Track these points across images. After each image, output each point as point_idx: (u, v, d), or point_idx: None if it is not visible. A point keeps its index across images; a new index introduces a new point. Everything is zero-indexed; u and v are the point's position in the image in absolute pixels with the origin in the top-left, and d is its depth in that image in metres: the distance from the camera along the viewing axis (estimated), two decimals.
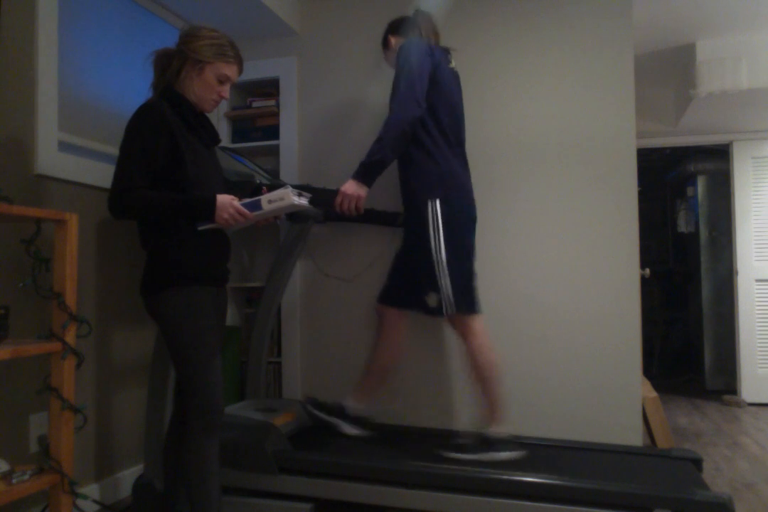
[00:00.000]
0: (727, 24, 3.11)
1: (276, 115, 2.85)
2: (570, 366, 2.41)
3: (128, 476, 2.26)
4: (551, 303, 2.45)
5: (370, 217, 2.57)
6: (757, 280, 4.10)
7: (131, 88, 2.40)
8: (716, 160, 4.53)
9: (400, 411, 2.57)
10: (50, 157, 1.92)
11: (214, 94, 1.67)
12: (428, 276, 2.06)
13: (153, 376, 1.95)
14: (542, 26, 2.50)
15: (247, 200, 1.61)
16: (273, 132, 2.86)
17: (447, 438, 2.14)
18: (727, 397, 4.06)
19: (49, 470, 1.59)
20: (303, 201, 1.64)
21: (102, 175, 2.14)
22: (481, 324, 2.12)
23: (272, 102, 2.86)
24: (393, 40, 2.27)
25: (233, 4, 2.53)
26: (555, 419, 2.41)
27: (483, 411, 2.09)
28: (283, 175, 2.79)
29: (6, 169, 1.78)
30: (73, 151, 2.09)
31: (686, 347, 5.28)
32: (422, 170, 2.10)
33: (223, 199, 1.56)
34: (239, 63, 1.70)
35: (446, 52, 2.22)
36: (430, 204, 2.06)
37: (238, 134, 2.93)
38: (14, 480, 1.50)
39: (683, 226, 5.04)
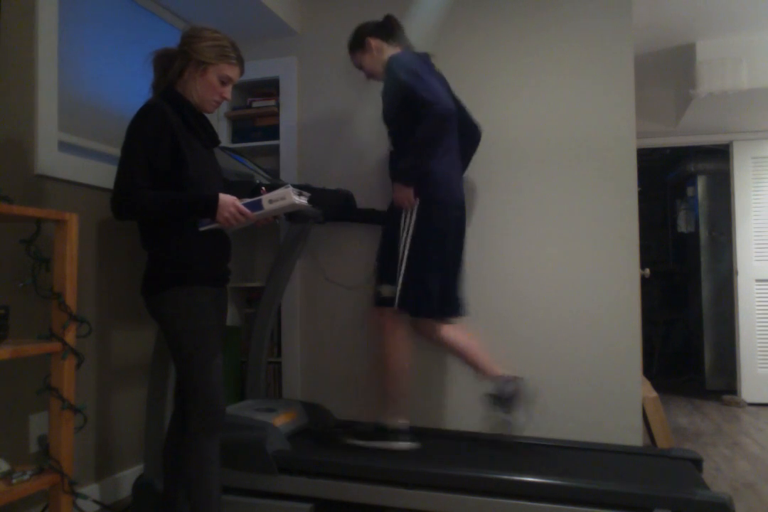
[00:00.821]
0: (727, 24, 3.11)
1: (276, 115, 2.85)
2: (570, 366, 2.41)
3: (128, 476, 2.26)
4: (551, 304, 2.44)
5: (371, 217, 2.56)
6: (757, 280, 4.10)
7: (131, 88, 2.40)
8: (716, 160, 4.53)
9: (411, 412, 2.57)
10: (50, 157, 1.92)
11: (216, 95, 1.67)
12: (390, 266, 2.08)
13: (153, 376, 1.95)
14: (542, 26, 2.50)
15: (249, 200, 1.61)
16: (273, 132, 2.86)
17: (350, 427, 2.23)
18: (727, 397, 4.06)
19: (49, 470, 1.59)
20: (303, 200, 1.65)
21: (102, 175, 2.14)
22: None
23: (272, 102, 2.86)
24: (373, 43, 2.19)
25: (233, 4, 2.53)
26: (555, 419, 2.41)
27: (381, 403, 2.14)
28: (283, 175, 2.79)
29: (6, 169, 1.78)
30: (73, 151, 2.09)
31: (686, 347, 5.28)
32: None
33: (225, 199, 1.56)
34: (241, 64, 1.70)
35: (428, 57, 2.21)
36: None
37: (238, 134, 2.93)
38: (14, 480, 1.50)
39: (683, 226, 5.04)
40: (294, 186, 1.70)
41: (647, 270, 3.05)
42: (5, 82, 1.79)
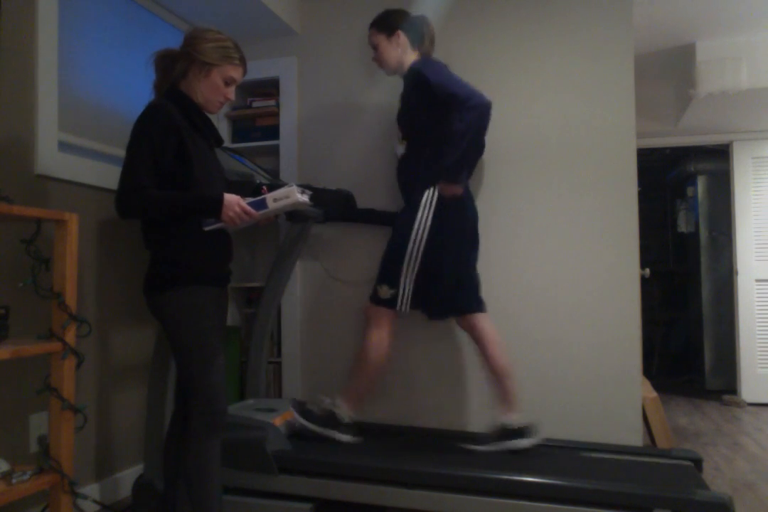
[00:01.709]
0: (727, 24, 3.12)
1: (276, 115, 2.85)
2: (570, 366, 2.41)
3: (128, 476, 2.26)
4: (551, 303, 2.44)
5: (370, 217, 2.57)
6: (757, 280, 4.11)
7: (131, 88, 2.40)
8: (716, 160, 4.53)
9: (410, 412, 2.57)
10: (50, 157, 1.92)
11: (220, 96, 1.68)
12: (391, 266, 2.11)
13: (153, 376, 1.95)
14: (542, 27, 2.50)
15: (253, 199, 1.61)
16: (273, 132, 2.86)
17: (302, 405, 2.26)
18: (727, 397, 4.06)
19: (49, 470, 1.59)
20: (306, 198, 1.66)
21: (102, 175, 2.14)
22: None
23: (272, 102, 2.86)
24: (402, 37, 2.18)
25: (233, 4, 2.53)
26: (555, 419, 2.41)
27: (343, 391, 2.17)
28: (283, 175, 2.79)
29: (6, 169, 1.78)
30: (73, 151, 2.09)
31: (686, 347, 5.28)
32: (431, 168, 2.12)
33: (230, 198, 1.56)
34: (244, 64, 1.71)
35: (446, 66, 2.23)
36: (427, 192, 2.08)
37: (238, 134, 2.93)
38: (14, 480, 1.50)
39: (683, 226, 5.04)
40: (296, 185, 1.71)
41: (647, 270, 3.05)
42: (5, 81, 1.79)
